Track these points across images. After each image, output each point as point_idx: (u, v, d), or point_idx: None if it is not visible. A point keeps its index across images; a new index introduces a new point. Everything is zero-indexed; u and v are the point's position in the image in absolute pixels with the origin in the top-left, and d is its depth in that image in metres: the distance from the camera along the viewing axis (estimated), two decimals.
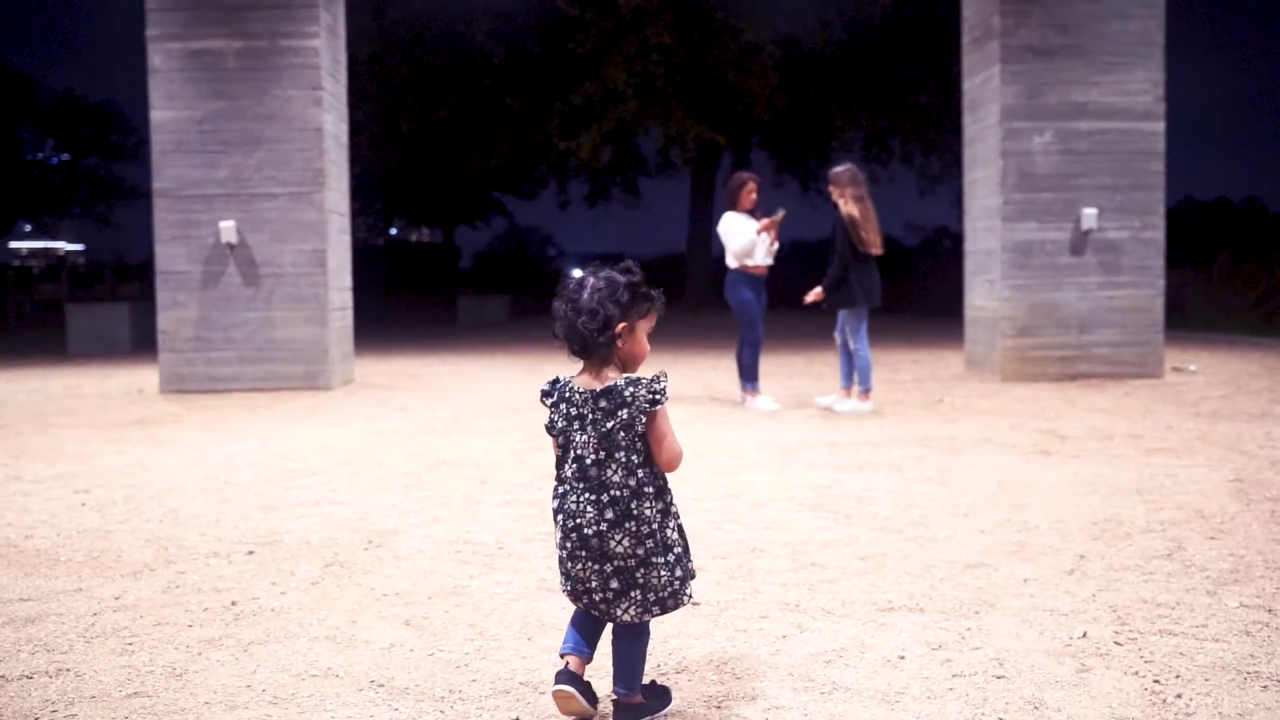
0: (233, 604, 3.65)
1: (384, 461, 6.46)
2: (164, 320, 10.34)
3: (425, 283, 39.99)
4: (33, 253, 75.95)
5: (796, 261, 22.19)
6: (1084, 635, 3.22)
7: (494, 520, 4.88)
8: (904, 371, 12.02)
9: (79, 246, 71.08)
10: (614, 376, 2.56)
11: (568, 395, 2.59)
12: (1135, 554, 4.15)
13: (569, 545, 2.56)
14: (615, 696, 2.63)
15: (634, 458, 2.53)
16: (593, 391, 2.55)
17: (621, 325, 2.55)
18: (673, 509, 2.61)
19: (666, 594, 2.55)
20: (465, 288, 38.80)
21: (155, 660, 3.13)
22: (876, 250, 8.54)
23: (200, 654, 3.18)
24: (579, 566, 2.55)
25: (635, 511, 2.52)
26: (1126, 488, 5.40)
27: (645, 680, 2.73)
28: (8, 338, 20.09)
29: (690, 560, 2.64)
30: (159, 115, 10.22)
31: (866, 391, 8.63)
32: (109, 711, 2.77)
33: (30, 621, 3.50)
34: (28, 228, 66.76)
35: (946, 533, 4.54)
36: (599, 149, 23.39)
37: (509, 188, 38.71)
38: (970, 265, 11.39)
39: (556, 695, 2.57)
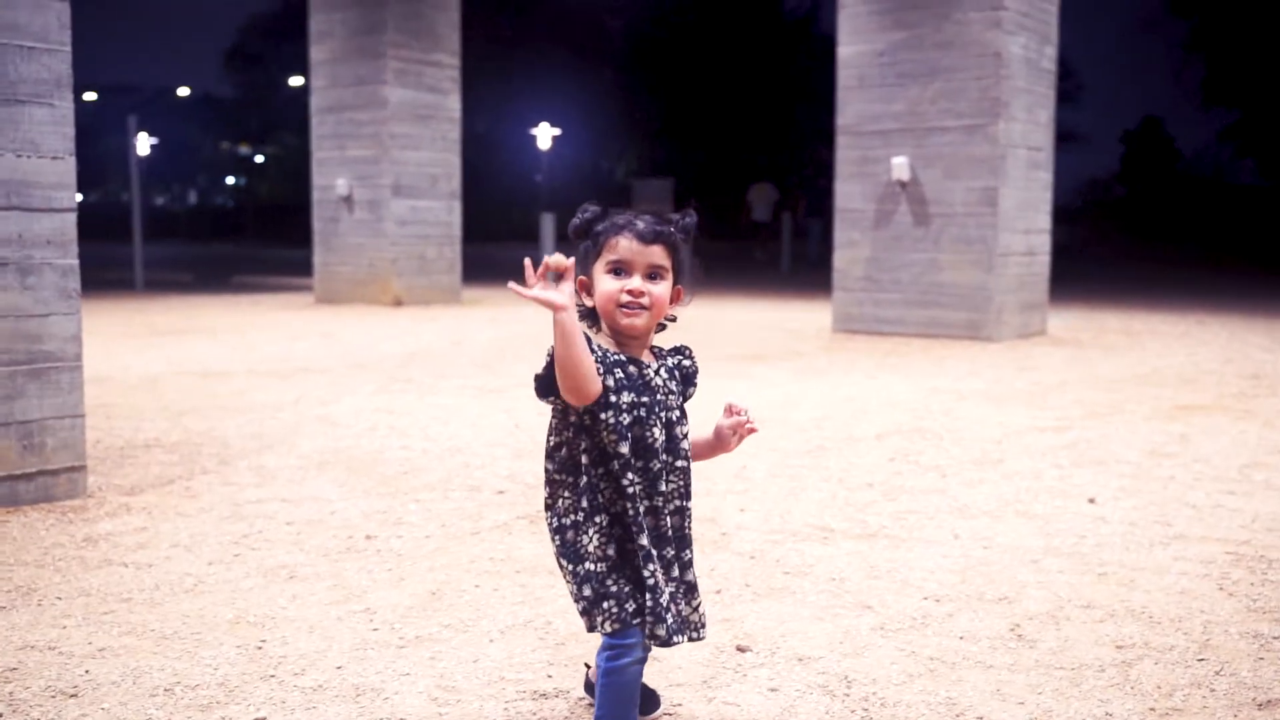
0: (368, 538, 3.63)
1: (837, 427, 5.80)
2: (839, 259, 10.35)
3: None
4: None
5: None
6: None
7: (813, 502, 4.11)
8: None
9: None
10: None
11: None
12: None
13: None
14: None
15: (551, 438, 2.13)
16: None
17: (579, 280, 2.08)
18: (600, 515, 2.04)
19: (580, 608, 2.06)
20: None
21: (208, 575, 3.26)
22: None
23: (246, 578, 3.23)
24: None
25: (546, 499, 2.13)
26: None
27: None
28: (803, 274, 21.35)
29: (613, 584, 2.03)
30: (844, 51, 10.14)
31: None
32: (87, 609, 2.96)
33: (239, 519, 3.85)
34: None
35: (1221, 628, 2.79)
36: None
37: None
38: None
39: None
